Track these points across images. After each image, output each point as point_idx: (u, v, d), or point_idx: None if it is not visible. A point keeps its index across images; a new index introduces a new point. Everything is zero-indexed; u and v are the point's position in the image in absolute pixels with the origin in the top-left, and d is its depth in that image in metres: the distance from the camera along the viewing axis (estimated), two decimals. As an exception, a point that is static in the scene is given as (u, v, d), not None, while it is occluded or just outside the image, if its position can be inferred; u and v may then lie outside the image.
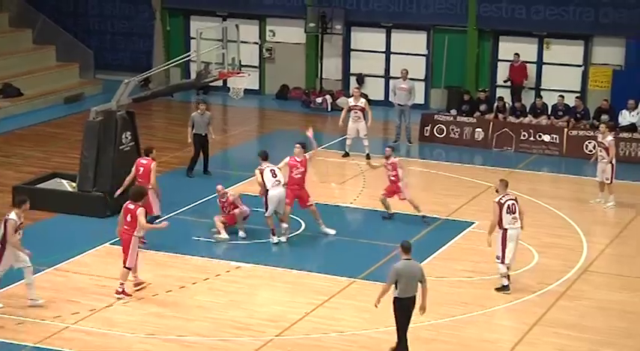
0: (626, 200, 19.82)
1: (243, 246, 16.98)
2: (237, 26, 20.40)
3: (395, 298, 12.60)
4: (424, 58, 28.20)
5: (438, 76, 27.89)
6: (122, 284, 14.60)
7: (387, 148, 18.46)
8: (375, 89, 28.72)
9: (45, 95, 27.83)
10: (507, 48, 27.34)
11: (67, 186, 19.08)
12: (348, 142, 22.59)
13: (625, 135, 23.33)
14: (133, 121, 18.90)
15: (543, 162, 23.09)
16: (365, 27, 28.53)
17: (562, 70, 26.85)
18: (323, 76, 28.77)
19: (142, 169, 17.09)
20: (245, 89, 20.81)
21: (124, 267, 14.59)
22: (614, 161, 19.42)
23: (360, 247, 17.05)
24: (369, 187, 20.42)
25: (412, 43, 28.22)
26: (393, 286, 12.54)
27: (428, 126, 24.58)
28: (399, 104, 24.13)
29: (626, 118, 24.34)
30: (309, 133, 18.17)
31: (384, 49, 28.57)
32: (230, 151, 21.17)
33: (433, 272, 15.85)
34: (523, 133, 23.91)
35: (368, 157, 21.59)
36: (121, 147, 18.53)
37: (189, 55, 22.27)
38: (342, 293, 14.99)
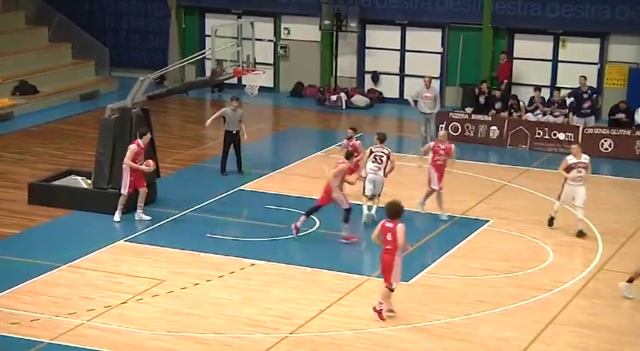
0: (629, 197, 19.74)
1: (257, 243, 17.00)
2: (252, 24, 20.40)
3: None
4: (439, 55, 28.15)
5: (453, 74, 27.84)
6: (381, 303, 13.77)
7: (350, 130, 19.04)
8: (389, 87, 28.73)
9: (60, 93, 27.93)
10: (523, 46, 27.28)
11: (83, 183, 19.15)
12: (555, 207, 17.90)
13: (641, 133, 23.25)
14: (148, 118, 18.94)
15: (558, 160, 22.82)
16: (380, 25, 28.50)
17: (578, 68, 26.75)
18: (338, 74, 28.76)
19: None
20: (260, 87, 20.79)
21: (387, 287, 13.68)
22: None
23: (375, 245, 17.01)
24: (385, 186, 20.36)
25: (427, 40, 28.18)
26: None
27: (442, 124, 24.52)
28: (423, 113, 23.43)
29: (642, 116, 24.27)
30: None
31: (399, 47, 28.54)
32: (245, 149, 21.19)
33: (448, 270, 15.85)
34: (538, 131, 23.84)
35: (581, 234, 17.46)
36: (136, 144, 18.56)
37: (204, 53, 22.30)
38: (356, 291, 14.98)
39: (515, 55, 27.44)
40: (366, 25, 28.62)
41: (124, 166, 17.57)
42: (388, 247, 13.60)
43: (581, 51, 26.82)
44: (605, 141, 23.10)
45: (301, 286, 15.17)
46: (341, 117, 27.22)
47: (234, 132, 20.54)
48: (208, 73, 20.70)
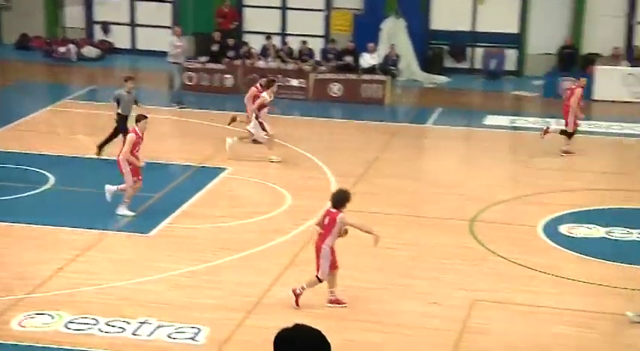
0: (358, 138, 20.63)
1: (-12, 204, 16.21)
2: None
3: None
4: (170, 4, 27.82)
5: (185, 22, 27.61)
6: (303, 288, 12.72)
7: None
8: (121, 37, 28.12)
9: None
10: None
11: None
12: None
13: (366, 77, 24.27)
14: None
15: (292, 106, 23.58)
16: (107, -27, 27.75)
17: (305, 14, 27.39)
18: (66, 25, 27.73)
19: None
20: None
21: (316, 276, 12.78)
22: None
23: (113, 199, 16.74)
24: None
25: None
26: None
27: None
28: (174, 63, 23.09)
29: (366, 60, 25.32)
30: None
31: (128, -4, 27.95)
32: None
33: (189, 220, 15.88)
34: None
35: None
36: None
37: None
38: (97, 247, 14.70)
39: (244, 3, 27.62)
40: (92, -26, 27.78)
41: (120, 158, 15.62)
42: (321, 231, 12.72)
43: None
44: (334, 85, 23.94)
45: (38, 245, 14.66)
46: (72, 69, 26.32)
47: (128, 116, 18.23)
48: None
